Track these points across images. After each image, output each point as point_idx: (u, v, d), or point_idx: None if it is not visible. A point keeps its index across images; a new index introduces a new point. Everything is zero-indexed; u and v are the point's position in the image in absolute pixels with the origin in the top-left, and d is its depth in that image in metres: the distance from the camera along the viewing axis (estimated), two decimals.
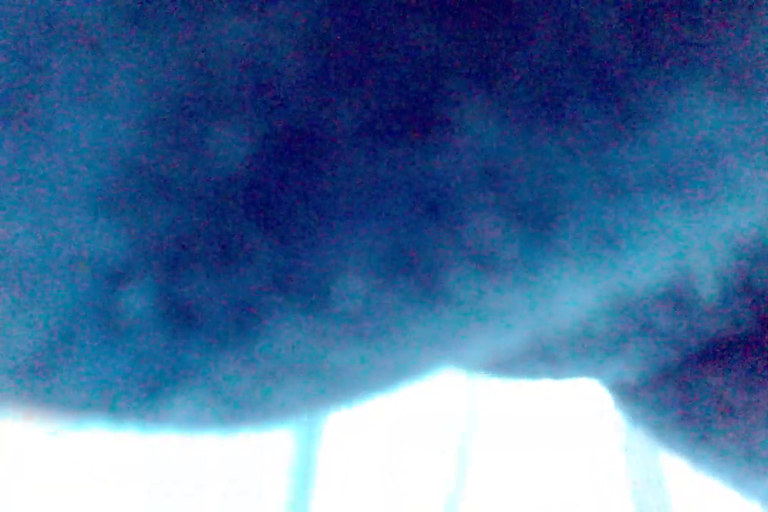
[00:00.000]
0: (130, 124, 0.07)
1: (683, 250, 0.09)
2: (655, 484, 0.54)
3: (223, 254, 0.08)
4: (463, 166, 0.08)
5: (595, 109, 0.08)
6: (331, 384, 0.10)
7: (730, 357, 0.15)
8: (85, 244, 0.08)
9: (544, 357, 0.15)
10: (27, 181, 0.08)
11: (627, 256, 0.09)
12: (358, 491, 0.52)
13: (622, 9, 0.07)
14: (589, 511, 0.52)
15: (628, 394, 0.17)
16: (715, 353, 0.15)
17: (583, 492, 0.52)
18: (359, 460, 0.53)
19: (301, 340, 0.09)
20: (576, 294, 0.09)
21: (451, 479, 0.53)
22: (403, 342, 0.09)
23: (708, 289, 0.14)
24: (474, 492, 0.53)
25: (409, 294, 0.08)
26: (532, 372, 0.16)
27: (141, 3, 0.07)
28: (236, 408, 0.10)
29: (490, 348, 0.10)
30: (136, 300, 0.08)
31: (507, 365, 0.16)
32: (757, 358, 0.15)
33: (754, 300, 0.14)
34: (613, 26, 0.07)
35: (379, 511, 0.51)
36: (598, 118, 0.08)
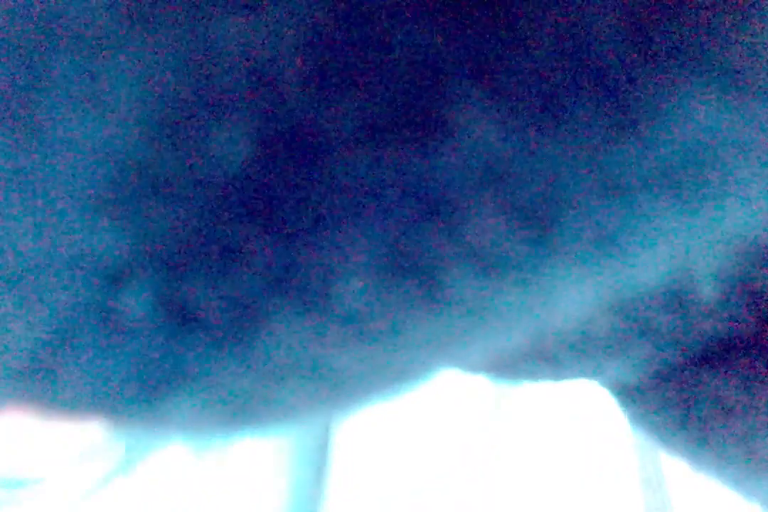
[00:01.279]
0: (130, 125, 0.07)
1: (683, 250, 0.09)
2: (655, 484, 0.54)
3: (222, 255, 0.08)
4: (464, 166, 0.08)
5: (595, 109, 0.08)
6: (331, 386, 0.10)
7: (730, 357, 0.15)
8: (85, 244, 0.08)
9: (544, 358, 0.15)
10: (27, 182, 0.08)
11: (627, 256, 0.09)
12: (374, 492, 0.52)
13: (621, 9, 0.07)
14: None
15: (628, 395, 0.17)
16: (715, 353, 0.15)
17: (599, 493, 0.53)
18: (375, 462, 0.53)
19: (301, 341, 0.09)
20: (576, 294, 0.09)
21: (471, 479, 0.53)
22: (403, 343, 0.09)
23: (708, 289, 0.14)
24: (491, 492, 0.53)
25: (409, 295, 0.08)
26: (532, 374, 0.16)
27: (141, 3, 0.07)
28: (236, 409, 0.10)
29: (490, 349, 0.10)
30: (136, 301, 0.08)
31: (508, 366, 0.16)
32: (757, 358, 0.15)
33: (754, 301, 0.14)
34: (613, 26, 0.07)
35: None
36: (598, 118, 0.08)
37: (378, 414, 0.54)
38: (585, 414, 0.55)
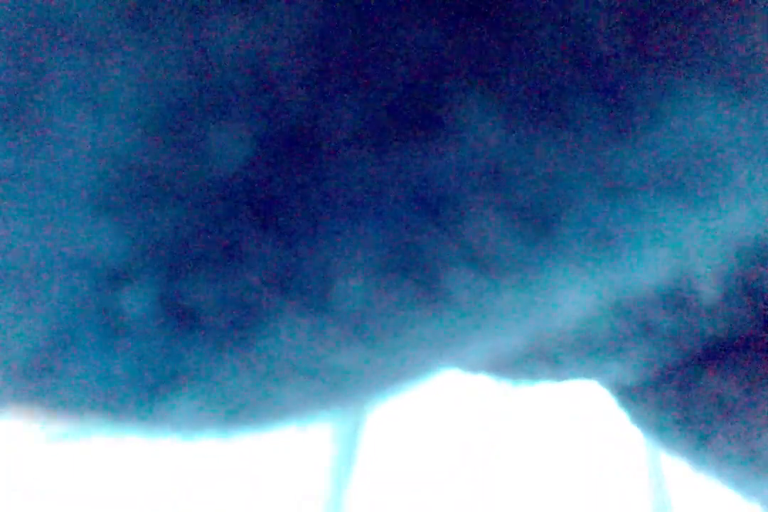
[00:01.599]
0: (130, 125, 0.07)
1: (683, 250, 0.09)
2: (655, 484, 0.54)
3: (222, 254, 0.08)
4: (464, 166, 0.08)
5: (595, 109, 0.08)
6: (331, 386, 0.10)
7: (730, 357, 0.15)
8: (85, 244, 0.08)
9: (544, 359, 0.15)
10: (27, 182, 0.08)
11: (627, 257, 0.09)
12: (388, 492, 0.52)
13: (621, 9, 0.07)
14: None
15: (628, 395, 0.17)
16: (715, 353, 0.15)
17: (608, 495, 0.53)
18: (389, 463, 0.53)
19: (300, 341, 0.09)
20: (576, 294, 0.09)
21: (477, 479, 0.53)
22: (403, 343, 0.09)
23: (708, 290, 0.14)
24: (499, 492, 0.53)
25: (408, 294, 0.08)
26: (533, 374, 0.16)
27: (141, 3, 0.07)
28: (236, 408, 0.10)
29: (490, 349, 0.10)
30: (136, 301, 0.08)
31: (508, 366, 0.16)
32: (757, 358, 0.15)
33: (754, 301, 0.14)
34: (613, 26, 0.07)
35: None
36: (598, 118, 0.08)
37: (379, 415, 0.54)
38: (585, 414, 0.55)
